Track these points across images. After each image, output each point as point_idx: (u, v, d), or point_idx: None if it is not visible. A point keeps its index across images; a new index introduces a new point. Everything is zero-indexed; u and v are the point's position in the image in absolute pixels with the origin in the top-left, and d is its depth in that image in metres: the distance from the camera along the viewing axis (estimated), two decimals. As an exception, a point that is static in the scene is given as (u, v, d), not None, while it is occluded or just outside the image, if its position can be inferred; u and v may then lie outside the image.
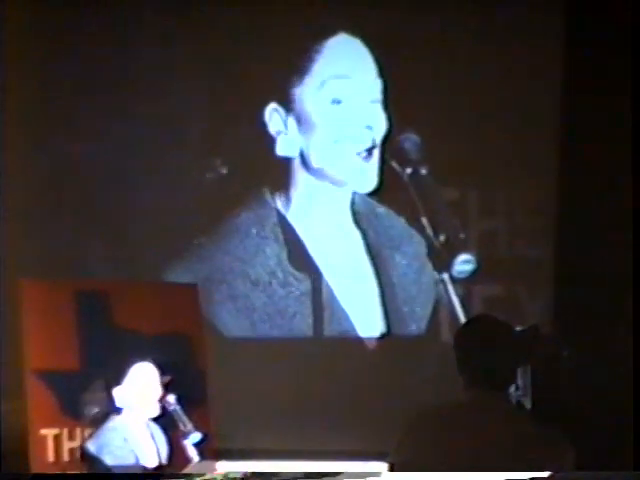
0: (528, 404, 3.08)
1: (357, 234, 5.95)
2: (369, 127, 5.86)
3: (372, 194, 5.90)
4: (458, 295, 5.77)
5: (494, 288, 5.83)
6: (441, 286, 5.80)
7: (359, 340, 5.89)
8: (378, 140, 5.86)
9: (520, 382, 3.08)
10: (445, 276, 5.77)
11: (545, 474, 2.87)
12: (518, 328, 3.17)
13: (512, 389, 3.07)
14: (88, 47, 5.85)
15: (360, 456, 4.24)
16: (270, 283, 5.93)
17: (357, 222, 5.95)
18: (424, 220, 5.81)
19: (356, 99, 5.87)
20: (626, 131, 5.44)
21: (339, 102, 5.85)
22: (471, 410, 3.01)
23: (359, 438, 5.33)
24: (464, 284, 5.80)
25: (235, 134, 5.89)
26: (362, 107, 5.87)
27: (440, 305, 5.83)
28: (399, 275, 5.93)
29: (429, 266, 5.86)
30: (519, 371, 3.08)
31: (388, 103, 5.85)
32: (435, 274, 5.81)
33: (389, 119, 5.86)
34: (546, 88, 5.76)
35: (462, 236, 5.77)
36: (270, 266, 5.94)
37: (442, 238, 5.76)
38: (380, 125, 5.87)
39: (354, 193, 5.94)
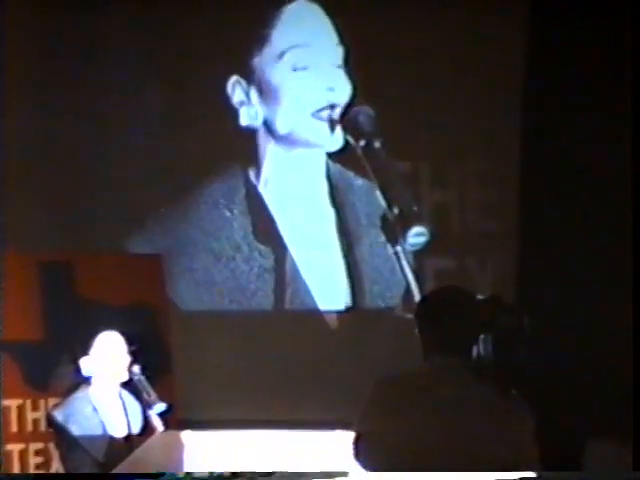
0: (489, 372, 3.10)
1: (330, 209, 5.96)
2: (331, 89, 5.85)
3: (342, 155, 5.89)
4: (411, 267, 5.79)
5: (447, 260, 5.86)
6: (394, 258, 5.81)
7: (322, 314, 5.90)
8: (342, 101, 5.85)
9: (481, 350, 3.10)
10: (398, 248, 5.78)
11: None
12: (479, 297, 3.19)
13: (473, 357, 3.08)
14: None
15: (324, 425, 4.27)
16: (234, 258, 5.93)
17: (333, 197, 5.95)
18: (377, 193, 5.82)
19: (317, 65, 5.87)
20: (584, 98, 5.49)
21: (300, 69, 5.86)
22: (433, 377, 3.03)
23: (324, 408, 5.36)
24: (417, 256, 5.82)
25: (202, 107, 5.86)
26: (323, 72, 5.87)
27: (397, 278, 5.85)
28: (368, 249, 5.94)
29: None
30: (480, 339, 3.10)
31: (350, 69, 5.86)
32: (388, 246, 5.82)
33: (353, 84, 5.87)
34: (500, 60, 5.77)
35: (415, 209, 5.79)
36: (235, 240, 5.94)
37: (395, 211, 5.77)
38: (343, 88, 5.86)
39: (328, 164, 5.94)
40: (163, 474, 3.92)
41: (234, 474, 3.84)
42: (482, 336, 3.15)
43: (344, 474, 3.58)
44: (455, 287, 3.21)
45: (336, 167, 5.96)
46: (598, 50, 5.52)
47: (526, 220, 5.75)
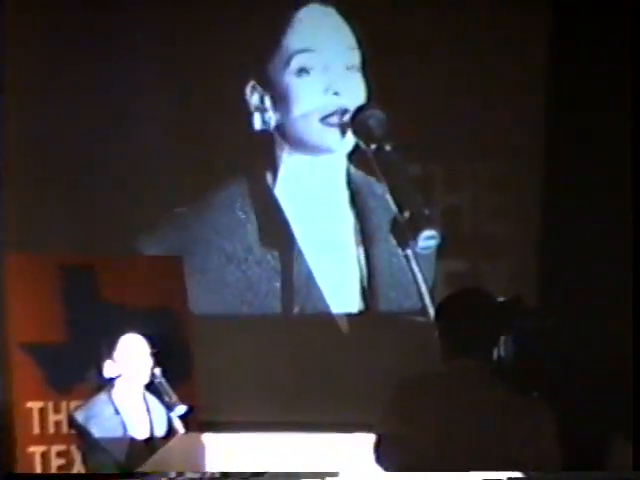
0: (511, 374, 3.10)
1: (349, 212, 5.96)
2: (336, 93, 5.87)
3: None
4: (422, 271, 5.79)
5: (458, 264, 5.85)
6: (404, 262, 5.82)
7: (335, 317, 5.91)
8: (350, 105, 5.86)
9: (502, 352, 3.10)
10: (409, 252, 5.78)
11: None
12: (500, 299, 3.19)
13: (494, 359, 3.08)
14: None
15: (344, 427, 4.28)
16: (246, 260, 5.94)
17: (353, 202, 5.96)
18: (388, 197, 5.83)
19: (321, 69, 5.88)
20: (603, 100, 5.48)
21: (304, 74, 5.87)
22: (454, 380, 3.03)
23: (342, 411, 5.36)
24: (428, 260, 5.82)
25: (219, 110, 5.88)
26: (328, 75, 5.88)
27: (409, 281, 5.86)
28: (384, 253, 5.94)
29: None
30: (501, 341, 3.10)
31: (364, 72, 5.87)
32: (399, 250, 5.83)
33: (367, 87, 5.87)
34: (515, 64, 5.77)
35: (426, 212, 5.79)
36: (248, 242, 5.94)
37: (406, 214, 5.78)
38: (351, 92, 5.87)
39: (349, 169, 5.95)
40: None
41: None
42: (502, 338, 3.16)
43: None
44: (476, 289, 3.22)
45: (358, 172, 5.96)
46: (620, 52, 5.50)
47: (538, 223, 5.75)
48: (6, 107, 5.76)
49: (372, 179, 5.92)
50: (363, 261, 5.94)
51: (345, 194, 5.98)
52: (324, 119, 5.87)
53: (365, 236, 5.96)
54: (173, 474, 3.80)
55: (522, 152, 5.80)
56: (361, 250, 5.95)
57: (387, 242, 5.89)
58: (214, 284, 5.90)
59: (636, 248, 5.38)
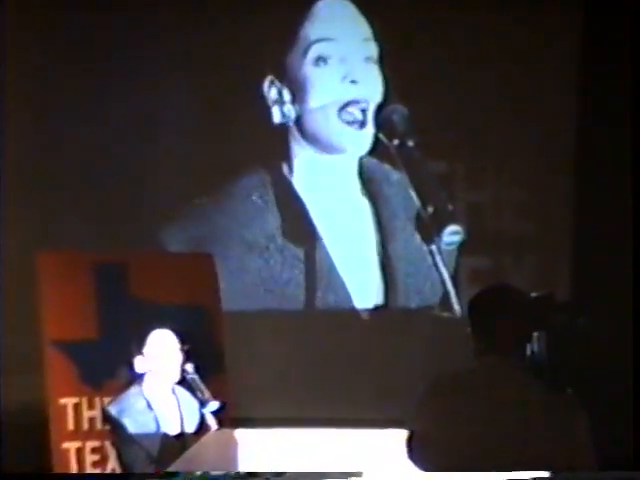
0: (543, 371, 3.10)
1: (365, 202, 5.96)
2: (354, 82, 5.87)
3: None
4: (446, 266, 5.78)
5: (482, 259, 5.83)
6: (429, 257, 5.81)
7: (357, 311, 5.91)
8: (367, 96, 5.85)
9: (535, 349, 3.10)
10: (433, 247, 5.77)
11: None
12: (533, 295, 3.19)
13: (527, 356, 3.08)
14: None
15: (374, 424, 4.29)
16: (267, 248, 5.94)
17: (367, 190, 5.95)
18: (412, 192, 5.82)
19: (340, 58, 5.89)
20: (620, 107, 5.44)
21: (322, 63, 5.87)
22: (487, 376, 3.03)
23: (370, 406, 5.37)
24: (453, 255, 5.81)
25: (238, 104, 5.90)
26: (347, 65, 5.89)
27: (433, 277, 5.85)
28: (403, 246, 5.93)
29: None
30: (534, 337, 3.10)
31: (383, 65, 5.87)
32: (423, 245, 5.82)
33: (386, 82, 5.86)
34: (537, 60, 5.76)
35: (450, 208, 5.77)
36: (269, 231, 5.94)
37: (430, 210, 5.77)
38: (369, 82, 5.86)
39: (360, 158, 5.93)
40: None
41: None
42: (535, 334, 3.15)
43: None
44: (507, 285, 3.23)
45: (372, 160, 5.94)
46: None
47: (562, 220, 5.72)
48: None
49: (388, 167, 5.91)
50: (381, 253, 5.93)
51: (357, 182, 5.96)
52: (342, 109, 5.86)
53: (382, 226, 5.94)
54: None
55: (549, 149, 5.77)
56: (379, 241, 5.94)
57: (405, 233, 5.89)
58: (237, 275, 5.91)
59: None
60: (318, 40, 5.90)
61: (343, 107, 5.88)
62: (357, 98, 5.87)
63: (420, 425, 3.05)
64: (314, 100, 5.93)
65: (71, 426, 4.62)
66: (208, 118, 5.95)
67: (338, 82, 5.89)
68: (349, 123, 5.89)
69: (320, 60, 5.89)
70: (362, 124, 5.88)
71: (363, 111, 5.88)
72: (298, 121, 5.96)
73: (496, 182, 5.91)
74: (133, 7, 5.91)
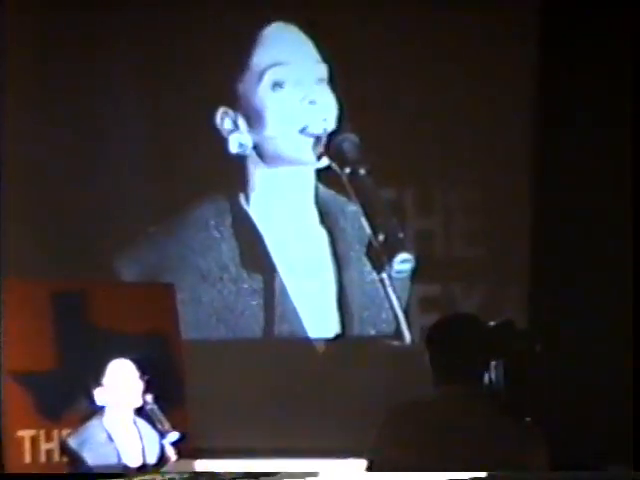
0: (502, 400, 3.09)
1: (323, 233, 5.96)
2: (312, 102, 5.89)
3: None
4: (398, 295, 5.78)
5: (433, 287, 5.85)
6: (381, 286, 5.81)
7: (311, 341, 5.92)
8: (328, 118, 5.86)
9: (494, 377, 3.09)
10: (384, 276, 5.78)
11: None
12: (491, 323, 3.19)
13: (485, 384, 3.07)
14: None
15: (333, 454, 4.27)
16: (221, 279, 5.91)
17: (323, 221, 5.96)
18: (363, 220, 5.83)
19: (296, 81, 5.92)
20: (576, 134, 5.48)
21: (279, 86, 5.88)
22: (445, 406, 3.01)
23: (329, 437, 5.34)
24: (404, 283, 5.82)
25: (192, 134, 5.90)
26: (303, 86, 5.91)
27: (383, 304, 5.85)
28: (358, 276, 5.93)
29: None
30: (492, 366, 3.09)
31: (336, 85, 5.90)
32: (374, 273, 5.82)
33: (338, 103, 5.87)
34: (487, 88, 5.80)
35: (401, 235, 5.79)
36: (224, 262, 5.92)
37: (381, 238, 5.78)
38: (326, 102, 5.88)
39: (317, 188, 5.93)
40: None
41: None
42: (493, 363, 3.14)
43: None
44: (464, 314, 3.24)
45: (326, 191, 5.96)
46: (598, 63, 5.50)
47: (511, 246, 5.74)
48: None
49: (343, 199, 5.92)
50: (337, 283, 5.93)
51: (315, 214, 5.97)
52: (304, 130, 5.88)
53: (338, 257, 5.94)
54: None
55: (499, 176, 5.79)
56: (335, 271, 5.93)
57: (360, 263, 5.89)
58: (190, 305, 5.88)
59: (627, 262, 5.38)
60: (272, 65, 5.92)
61: (304, 128, 5.89)
62: (318, 117, 5.87)
63: (379, 455, 3.03)
64: (274, 123, 5.93)
65: (28, 459, 4.56)
66: (163, 148, 5.96)
67: (297, 104, 5.90)
68: (311, 136, 5.89)
69: (276, 85, 5.90)
70: (319, 141, 5.90)
71: (323, 126, 5.90)
72: (256, 147, 5.96)
73: (446, 209, 5.92)
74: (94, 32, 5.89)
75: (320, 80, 5.92)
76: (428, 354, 3.07)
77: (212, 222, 5.95)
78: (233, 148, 5.95)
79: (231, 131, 5.95)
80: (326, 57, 5.90)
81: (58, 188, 5.91)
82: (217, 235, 5.95)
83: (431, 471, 2.91)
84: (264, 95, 5.92)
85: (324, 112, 5.90)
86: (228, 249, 5.93)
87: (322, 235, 5.96)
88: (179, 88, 5.92)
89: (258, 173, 5.98)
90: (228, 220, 5.95)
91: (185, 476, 3.86)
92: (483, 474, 2.88)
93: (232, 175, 5.99)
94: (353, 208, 5.92)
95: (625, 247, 5.37)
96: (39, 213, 5.91)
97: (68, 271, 5.67)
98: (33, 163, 5.87)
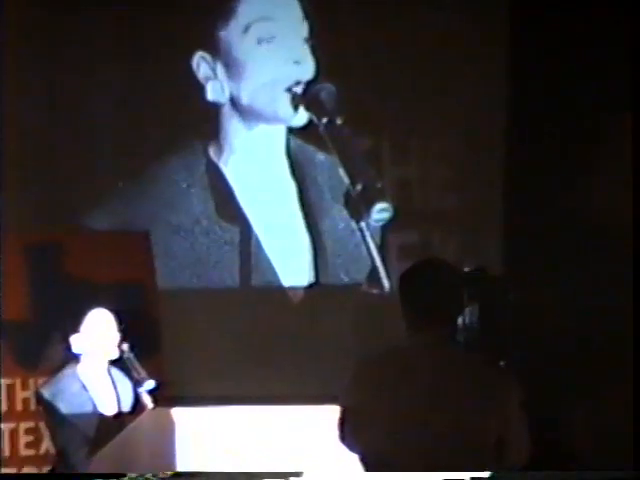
0: (475, 344, 3.11)
1: (292, 184, 5.95)
2: (297, 62, 5.85)
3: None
4: (375, 243, 5.80)
5: (410, 235, 5.86)
6: (359, 234, 5.83)
7: (285, 290, 5.90)
8: (307, 77, 5.84)
9: (468, 323, 3.11)
10: (363, 224, 5.80)
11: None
12: (465, 269, 3.20)
13: (459, 329, 3.08)
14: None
15: (309, 400, 4.31)
16: (193, 232, 5.90)
17: (293, 172, 5.95)
18: (340, 170, 5.83)
19: (282, 38, 5.86)
20: (547, 79, 5.48)
21: (265, 42, 5.84)
22: (419, 352, 3.00)
23: (305, 384, 5.36)
24: (381, 232, 5.83)
25: (167, 82, 5.83)
26: (289, 45, 5.86)
27: (362, 253, 5.86)
28: (331, 224, 5.94)
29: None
30: (466, 312, 3.10)
31: (313, 45, 5.85)
32: (353, 223, 5.84)
33: (316, 60, 5.85)
34: (468, 36, 5.74)
35: (379, 185, 5.80)
36: (195, 215, 5.91)
37: (359, 187, 5.78)
38: (309, 63, 5.85)
39: (289, 139, 5.92)
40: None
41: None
42: (468, 308, 3.16)
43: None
44: (438, 259, 3.17)
45: (296, 142, 5.93)
46: (585, 47, 5.50)
47: (490, 194, 5.75)
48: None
49: (312, 148, 5.90)
50: (309, 233, 5.93)
51: (285, 164, 5.95)
52: (285, 89, 5.86)
53: (309, 206, 5.93)
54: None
55: (476, 123, 5.79)
56: (307, 221, 5.93)
57: (332, 212, 5.88)
58: (166, 257, 5.81)
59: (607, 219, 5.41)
60: (259, 19, 5.86)
61: (286, 87, 5.86)
62: (300, 78, 5.85)
63: (352, 402, 3.01)
64: (255, 78, 5.89)
65: (4, 407, 4.57)
66: (135, 97, 5.88)
67: (283, 62, 5.87)
68: (287, 94, 5.86)
69: (262, 40, 5.85)
70: (296, 100, 5.88)
71: (298, 87, 5.88)
72: (232, 97, 5.92)
73: (423, 158, 5.92)
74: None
75: (305, 40, 5.88)
76: (401, 300, 3.06)
77: (182, 174, 5.92)
78: (210, 95, 5.90)
79: (208, 78, 5.91)
80: (307, 12, 5.84)
81: (28, 142, 5.84)
82: (188, 187, 5.92)
83: (402, 420, 2.91)
84: (248, 48, 5.87)
85: (307, 73, 5.86)
86: (199, 201, 5.91)
87: (292, 184, 5.95)
88: (153, 35, 5.85)
89: (232, 125, 5.95)
90: (199, 172, 5.93)
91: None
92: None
93: (205, 127, 5.92)
94: (322, 157, 5.91)
95: (600, 193, 5.39)
96: (9, 168, 5.84)
97: (40, 226, 5.61)
98: (2, 116, 5.80)
